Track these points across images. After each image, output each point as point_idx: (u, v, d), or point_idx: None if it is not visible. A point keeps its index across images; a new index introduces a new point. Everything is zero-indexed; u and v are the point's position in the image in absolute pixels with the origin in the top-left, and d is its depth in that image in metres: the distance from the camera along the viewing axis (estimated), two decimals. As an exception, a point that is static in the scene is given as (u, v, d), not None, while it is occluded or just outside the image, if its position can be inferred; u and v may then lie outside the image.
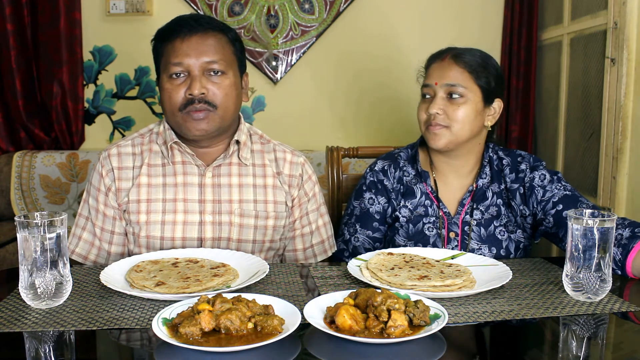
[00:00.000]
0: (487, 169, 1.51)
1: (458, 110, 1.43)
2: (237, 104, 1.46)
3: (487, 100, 1.46)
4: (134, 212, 1.43)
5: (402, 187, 1.54)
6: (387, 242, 1.54)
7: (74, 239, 1.47)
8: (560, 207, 1.41)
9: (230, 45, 1.45)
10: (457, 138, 1.44)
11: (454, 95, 1.43)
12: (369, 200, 1.54)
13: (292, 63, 3.04)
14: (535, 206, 1.46)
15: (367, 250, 1.51)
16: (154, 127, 1.53)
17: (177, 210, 1.43)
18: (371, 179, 1.56)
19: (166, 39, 1.43)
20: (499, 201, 1.49)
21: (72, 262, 1.06)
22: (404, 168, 1.55)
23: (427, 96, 1.47)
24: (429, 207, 1.50)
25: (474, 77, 1.44)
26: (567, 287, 1.10)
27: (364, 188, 1.57)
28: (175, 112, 1.41)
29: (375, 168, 1.57)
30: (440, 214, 1.49)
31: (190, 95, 1.38)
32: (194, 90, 1.37)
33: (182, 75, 1.40)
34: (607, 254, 1.06)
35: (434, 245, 1.46)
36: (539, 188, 1.46)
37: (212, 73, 1.40)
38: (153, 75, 3.06)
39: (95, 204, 1.46)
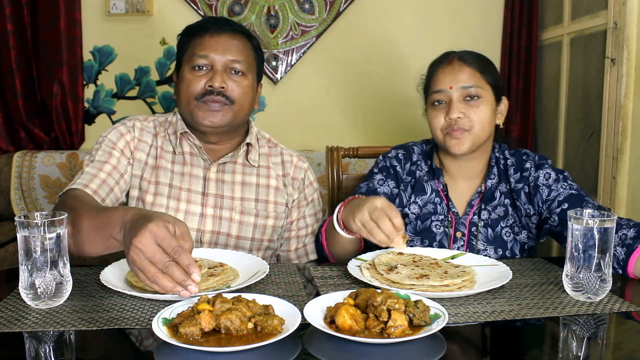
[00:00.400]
0: (495, 170, 1.50)
1: (478, 111, 1.42)
2: (251, 106, 1.50)
3: (498, 98, 1.47)
4: (143, 190, 1.45)
5: (413, 180, 1.53)
6: None
7: (76, 176, 1.41)
8: (566, 205, 1.39)
9: (253, 52, 1.51)
10: (479, 139, 1.44)
11: (472, 97, 1.42)
12: (379, 181, 1.53)
13: (292, 63, 3.04)
14: (541, 205, 1.44)
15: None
16: (169, 116, 1.56)
17: (181, 199, 1.46)
18: (383, 163, 1.56)
19: (195, 33, 1.47)
20: (507, 201, 1.48)
21: (72, 262, 1.06)
22: (418, 162, 1.55)
23: (440, 102, 1.45)
24: (438, 205, 1.49)
25: (484, 76, 1.44)
26: (567, 287, 1.10)
27: (375, 170, 1.56)
28: (191, 100, 1.44)
29: (389, 155, 1.57)
30: (449, 213, 1.48)
31: (210, 87, 1.42)
32: (215, 83, 1.41)
33: (204, 68, 1.44)
34: (607, 254, 1.06)
35: (440, 243, 1.45)
36: (544, 187, 1.44)
37: (233, 72, 1.45)
38: (153, 75, 3.06)
39: (108, 149, 1.44)
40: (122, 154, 1.45)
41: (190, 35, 1.49)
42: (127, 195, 1.48)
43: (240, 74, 1.45)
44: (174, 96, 1.51)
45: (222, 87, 1.42)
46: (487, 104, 1.43)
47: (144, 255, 0.96)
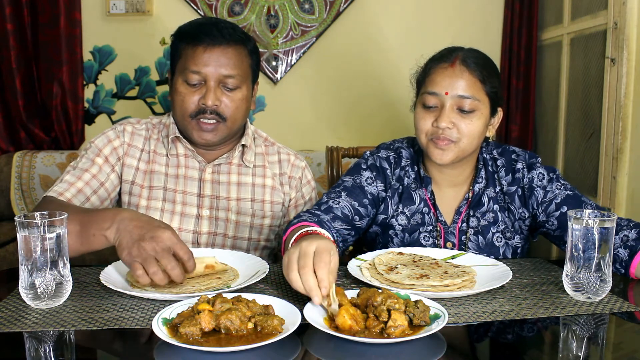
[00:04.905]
0: (482, 172, 1.43)
1: (470, 125, 1.32)
2: (245, 115, 1.49)
3: (493, 110, 1.38)
4: (136, 195, 1.45)
5: (401, 187, 1.45)
6: (380, 248, 1.44)
7: (56, 182, 1.42)
8: (565, 209, 1.35)
9: (248, 58, 1.46)
10: (464, 153, 1.35)
11: (466, 108, 1.31)
12: (367, 179, 1.43)
13: (292, 63, 3.04)
14: (536, 207, 1.40)
15: (345, 217, 1.38)
16: (163, 119, 1.55)
17: (176, 201, 1.46)
18: (373, 161, 1.45)
19: (188, 42, 1.42)
20: (495, 207, 1.42)
21: (72, 262, 1.06)
22: (406, 168, 1.46)
23: (432, 106, 1.34)
24: (426, 215, 1.42)
25: (484, 86, 1.33)
26: (567, 287, 1.10)
27: (363, 167, 1.45)
28: (185, 117, 1.43)
29: (380, 155, 1.47)
30: (437, 223, 1.42)
31: (203, 105, 1.40)
32: (208, 101, 1.39)
33: (197, 84, 1.41)
34: (607, 254, 1.06)
35: None
36: (539, 189, 1.40)
37: (226, 86, 1.41)
38: (153, 75, 3.06)
39: (92, 155, 1.45)
40: (105, 161, 1.44)
41: (182, 42, 1.43)
42: (119, 201, 1.48)
43: (233, 89, 1.42)
44: (169, 97, 1.50)
45: (216, 105, 1.40)
46: (481, 117, 1.33)
47: (155, 249, 1.04)
